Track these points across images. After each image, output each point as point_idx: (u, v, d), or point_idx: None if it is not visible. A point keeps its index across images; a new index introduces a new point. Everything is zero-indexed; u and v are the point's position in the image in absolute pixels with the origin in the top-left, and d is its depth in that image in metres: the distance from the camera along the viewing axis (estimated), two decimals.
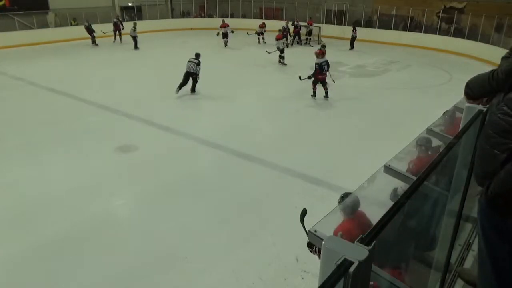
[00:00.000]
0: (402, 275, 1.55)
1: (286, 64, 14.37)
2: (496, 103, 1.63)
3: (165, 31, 22.96)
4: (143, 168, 6.52)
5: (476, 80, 1.85)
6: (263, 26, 19.78)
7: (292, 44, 19.05)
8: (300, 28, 19.69)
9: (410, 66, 15.21)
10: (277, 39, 14.49)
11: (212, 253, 4.49)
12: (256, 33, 19.58)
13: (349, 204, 1.58)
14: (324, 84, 10.19)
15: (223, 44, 18.08)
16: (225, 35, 18.19)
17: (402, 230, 1.35)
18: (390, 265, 1.38)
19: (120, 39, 19.22)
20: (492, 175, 1.52)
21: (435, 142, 1.75)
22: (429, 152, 2.10)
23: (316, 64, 9.99)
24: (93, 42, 18.45)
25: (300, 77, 10.21)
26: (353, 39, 18.60)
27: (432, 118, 2.22)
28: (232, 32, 17.74)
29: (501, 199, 1.49)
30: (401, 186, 1.35)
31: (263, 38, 19.72)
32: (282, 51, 14.43)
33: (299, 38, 19.93)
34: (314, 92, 10.38)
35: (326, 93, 10.23)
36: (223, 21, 18.64)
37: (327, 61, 10.05)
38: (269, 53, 14.54)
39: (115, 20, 19.32)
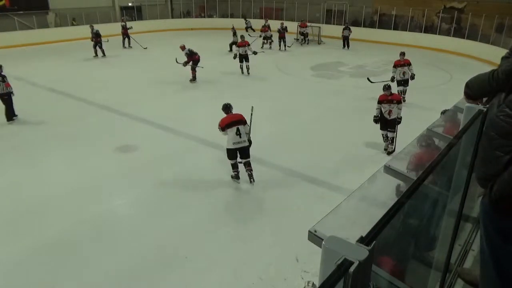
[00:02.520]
0: (399, 269, 1.55)
1: (405, 101, 9.79)
2: (497, 104, 1.63)
3: (165, 31, 22.96)
4: (143, 168, 6.53)
5: (476, 80, 1.84)
6: (267, 30, 18.11)
7: (280, 48, 18.05)
8: (285, 32, 17.93)
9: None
10: (396, 65, 9.85)
11: (212, 253, 4.49)
12: (260, 36, 18.09)
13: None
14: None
15: (240, 70, 13.02)
16: (244, 58, 12.79)
17: (402, 230, 1.35)
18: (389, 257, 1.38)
19: (129, 42, 17.75)
20: (495, 177, 1.51)
21: (435, 142, 1.75)
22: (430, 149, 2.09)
23: (186, 54, 11.68)
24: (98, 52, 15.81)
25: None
26: (345, 38, 18.59)
27: (432, 118, 2.23)
28: (255, 53, 12.78)
29: (505, 200, 1.49)
30: (403, 184, 1.35)
31: (269, 42, 18.26)
32: (404, 82, 9.94)
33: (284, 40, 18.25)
34: (194, 76, 11.98)
35: (194, 76, 12.00)
36: (242, 37, 13.22)
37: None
38: (372, 82, 10.43)
39: (122, 23, 17.90)
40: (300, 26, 19.89)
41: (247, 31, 19.58)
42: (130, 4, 23.30)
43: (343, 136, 8.00)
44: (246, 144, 5.90)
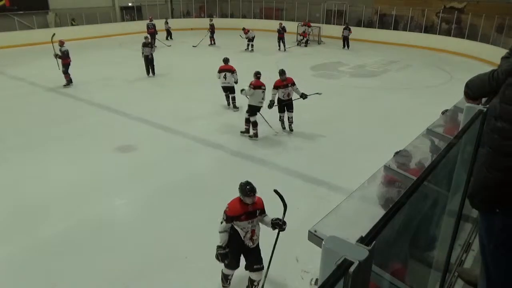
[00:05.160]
0: (403, 271, 1.55)
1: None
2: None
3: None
4: (143, 168, 6.52)
5: (476, 80, 1.84)
6: (247, 31, 17.53)
7: (279, 48, 17.90)
8: (284, 32, 17.77)
9: (410, 66, 15.20)
10: None
11: (212, 253, 4.47)
12: (246, 38, 17.61)
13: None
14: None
15: (281, 125, 8.24)
16: (287, 105, 7.98)
17: (401, 230, 1.35)
18: (392, 261, 1.38)
19: (154, 42, 17.09)
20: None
21: (435, 142, 1.75)
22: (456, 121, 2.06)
23: (61, 51, 10.98)
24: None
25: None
26: (345, 38, 18.61)
27: (432, 118, 2.22)
28: (304, 97, 7.93)
29: (475, 196, 1.58)
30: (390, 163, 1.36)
31: (251, 45, 17.54)
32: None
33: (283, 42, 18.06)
34: (69, 81, 11.22)
35: (67, 80, 11.18)
36: (282, 73, 7.82)
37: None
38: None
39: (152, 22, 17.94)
40: (304, 25, 19.74)
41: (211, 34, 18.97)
42: (130, 4, 23.31)
43: (343, 136, 8.00)
44: (231, 85, 9.17)
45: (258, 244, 3.82)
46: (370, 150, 7.15)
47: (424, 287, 2.06)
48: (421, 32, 19.74)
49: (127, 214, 5.43)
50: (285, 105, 7.94)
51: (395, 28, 20.53)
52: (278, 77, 7.86)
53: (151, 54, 12.52)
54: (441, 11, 19.47)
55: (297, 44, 19.42)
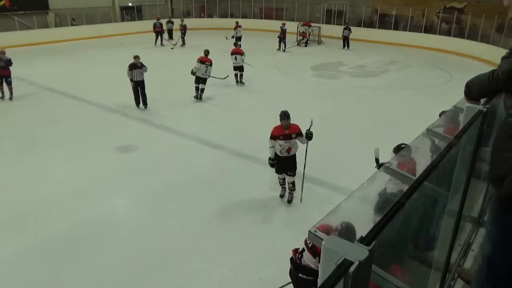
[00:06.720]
0: (400, 270, 1.55)
1: None
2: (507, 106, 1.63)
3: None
4: (143, 168, 6.53)
5: (476, 81, 1.84)
6: (239, 26, 17.00)
7: (279, 48, 17.70)
8: (285, 32, 17.44)
9: (410, 66, 15.20)
10: None
11: (212, 253, 4.49)
12: (232, 36, 16.76)
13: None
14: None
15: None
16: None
17: (401, 230, 1.35)
18: (392, 261, 1.38)
19: (161, 41, 18.45)
20: (505, 178, 1.51)
21: (435, 142, 1.75)
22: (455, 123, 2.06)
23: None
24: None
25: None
26: (345, 38, 18.62)
27: (432, 118, 2.23)
28: (309, 136, 5.42)
29: None
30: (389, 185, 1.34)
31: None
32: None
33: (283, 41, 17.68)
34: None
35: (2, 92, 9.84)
36: (283, 117, 5.48)
37: None
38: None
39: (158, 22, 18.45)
40: (304, 25, 19.66)
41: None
42: (130, 4, 23.31)
43: (342, 135, 8.01)
44: (240, 64, 11.26)
45: None
46: (370, 150, 7.15)
47: (424, 287, 2.06)
48: (421, 32, 19.73)
49: (127, 214, 5.44)
50: (284, 164, 5.48)
51: (395, 28, 20.52)
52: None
53: (142, 79, 9.10)
54: (441, 11, 19.46)
55: (297, 44, 19.40)
